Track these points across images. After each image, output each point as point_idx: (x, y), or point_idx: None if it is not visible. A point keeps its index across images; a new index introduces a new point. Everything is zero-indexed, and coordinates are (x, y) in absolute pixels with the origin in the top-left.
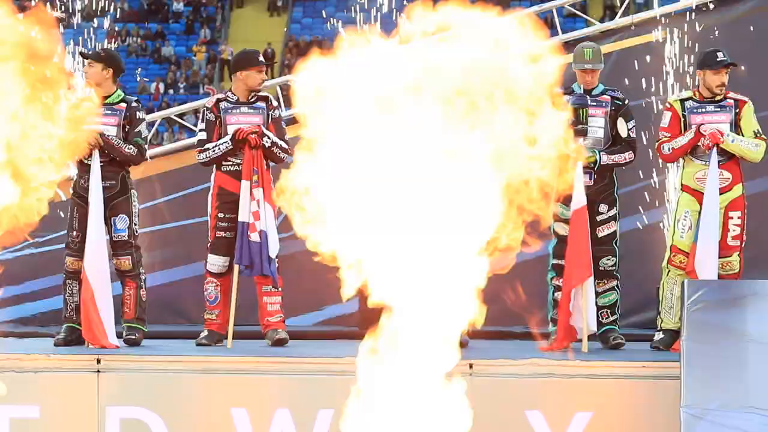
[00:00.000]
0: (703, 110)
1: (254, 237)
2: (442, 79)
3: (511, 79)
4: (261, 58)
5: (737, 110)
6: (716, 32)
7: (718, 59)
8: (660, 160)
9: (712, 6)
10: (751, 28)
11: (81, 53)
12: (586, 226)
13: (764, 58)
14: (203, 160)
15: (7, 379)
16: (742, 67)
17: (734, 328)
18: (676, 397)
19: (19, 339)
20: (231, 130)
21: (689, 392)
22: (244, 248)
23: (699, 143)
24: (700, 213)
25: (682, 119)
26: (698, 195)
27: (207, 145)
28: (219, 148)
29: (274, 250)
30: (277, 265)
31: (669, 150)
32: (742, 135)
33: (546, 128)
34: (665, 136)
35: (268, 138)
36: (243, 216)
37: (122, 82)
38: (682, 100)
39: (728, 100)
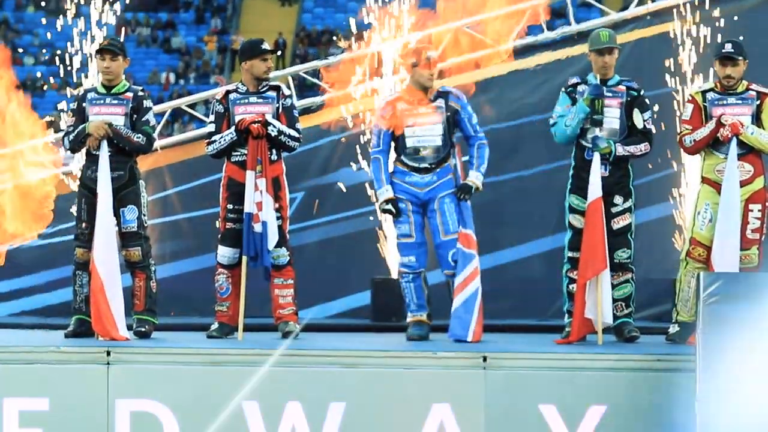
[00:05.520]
0: (724, 102)
1: (257, 227)
2: None
3: None
4: (265, 46)
5: (759, 102)
6: (735, 20)
7: (723, 51)
8: (675, 152)
9: None
10: None
11: (104, 49)
12: (601, 218)
13: None
14: (211, 152)
15: (16, 372)
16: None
17: (750, 321)
18: (692, 391)
19: (29, 331)
20: (238, 120)
21: (705, 385)
22: (250, 239)
23: (719, 134)
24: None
25: (703, 111)
26: (719, 187)
27: (214, 137)
28: (224, 140)
29: (272, 241)
30: (288, 258)
31: (691, 142)
32: (763, 128)
33: None
34: (687, 129)
35: (274, 127)
36: (248, 206)
37: (132, 72)
38: (704, 92)
39: (750, 92)
